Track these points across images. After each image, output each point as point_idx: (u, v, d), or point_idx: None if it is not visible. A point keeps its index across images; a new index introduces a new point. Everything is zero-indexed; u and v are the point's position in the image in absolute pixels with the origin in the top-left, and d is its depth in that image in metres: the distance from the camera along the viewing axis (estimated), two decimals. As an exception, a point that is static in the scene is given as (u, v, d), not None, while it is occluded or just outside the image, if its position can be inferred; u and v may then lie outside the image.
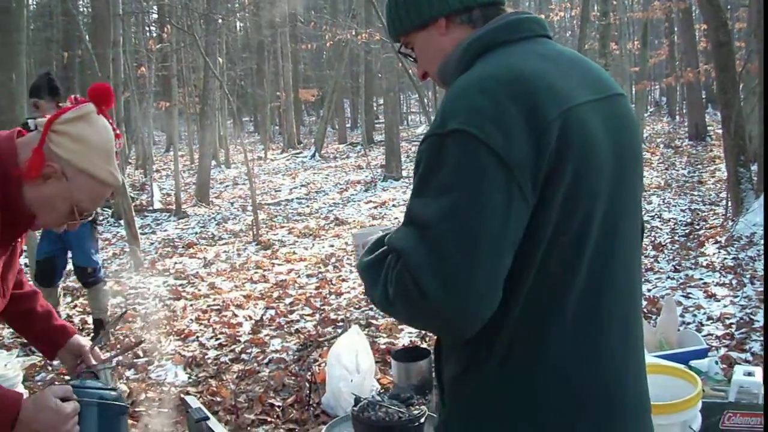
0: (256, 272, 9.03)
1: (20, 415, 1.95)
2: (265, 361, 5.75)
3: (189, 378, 5.50)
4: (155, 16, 28.76)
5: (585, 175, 1.45)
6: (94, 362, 2.59)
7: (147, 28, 32.33)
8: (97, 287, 6.45)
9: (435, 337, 4.90)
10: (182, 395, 4.46)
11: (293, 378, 5.23)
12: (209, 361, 5.87)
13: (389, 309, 1.48)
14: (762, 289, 6.64)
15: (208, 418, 3.43)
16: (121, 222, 13.35)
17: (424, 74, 1.76)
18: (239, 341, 6.32)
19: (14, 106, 8.84)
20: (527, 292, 1.45)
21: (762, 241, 8.03)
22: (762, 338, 5.45)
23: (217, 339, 6.45)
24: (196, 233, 12.62)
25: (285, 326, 6.65)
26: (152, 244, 11.83)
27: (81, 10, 29.25)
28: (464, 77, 1.50)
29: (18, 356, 5.33)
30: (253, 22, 30.21)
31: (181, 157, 20.09)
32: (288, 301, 7.53)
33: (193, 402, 3.66)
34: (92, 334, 6.47)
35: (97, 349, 2.62)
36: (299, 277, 8.60)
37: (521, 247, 1.42)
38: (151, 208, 15.49)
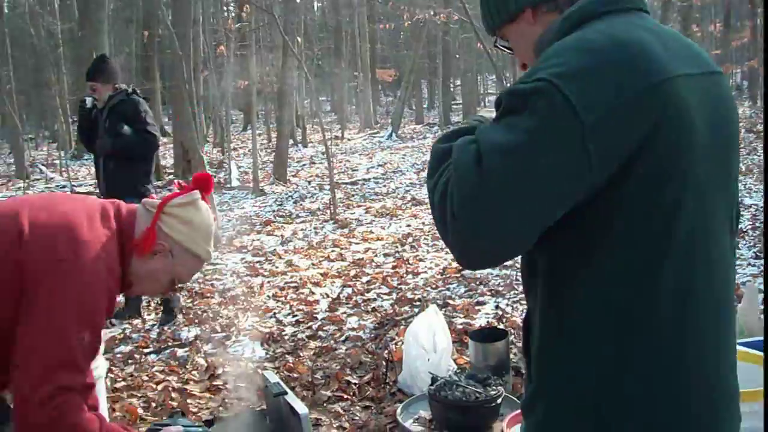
0: (333, 251, 9.06)
1: None
2: (342, 338, 5.76)
3: (266, 354, 5.54)
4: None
5: (677, 150, 1.40)
6: None
7: (225, 8, 32.67)
8: None
9: (513, 318, 4.84)
10: (260, 370, 4.50)
11: (370, 356, 5.23)
12: (286, 337, 5.91)
13: (433, 212, 1.51)
14: None
15: (286, 393, 3.43)
16: (201, 199, 13.55)
17: (523, 65, 1.73)
18: (316, 318, 6.35)
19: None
20: (615, 267, 1.41)
21: None
22: None
23: (294, 316, 6.49)
24: (274, 211, 12.73)
25: (362, 304, 6.66)
26: (230, 221, 11.97)
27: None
28: (561, 41, 1.47)
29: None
30: (330, 2, 30.31)
31: (258, 136, 20.23)
32: (365, 279, 7.53)
33: (272, 377, 3.67)
34: (160, 315, 6.58)
35: None
36: (376, 256, 8.61)
37: (605, 218, 1.39)
38: (228, 185, 15.65)
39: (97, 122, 6.34)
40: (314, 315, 6.44)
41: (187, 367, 5.41)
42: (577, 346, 1.46)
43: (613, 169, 1.36)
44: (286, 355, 5.45)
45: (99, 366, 3.93)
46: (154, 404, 4.73)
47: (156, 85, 19.77)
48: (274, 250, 9.34)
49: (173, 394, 4.84)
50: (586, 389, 1.46)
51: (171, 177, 17.56)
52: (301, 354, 5.44)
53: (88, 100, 6.35)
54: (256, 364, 5.25)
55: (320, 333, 5.94)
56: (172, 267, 2.41)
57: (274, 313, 6.57)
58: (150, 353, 5.80)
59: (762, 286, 6.02)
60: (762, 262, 7.33)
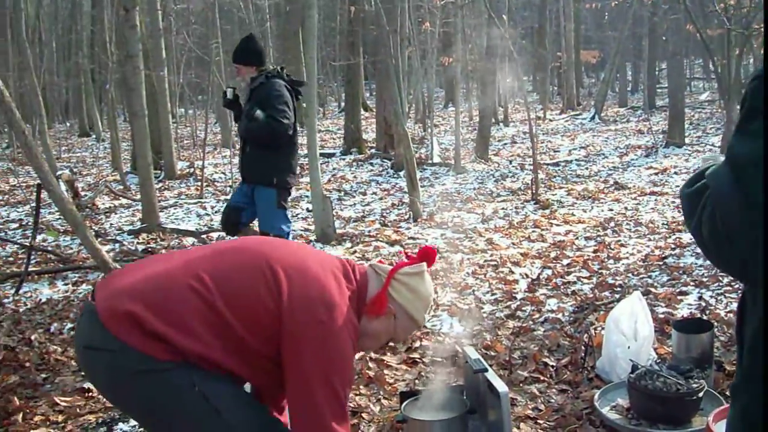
0: (533, 231, 9.02)
1: None
2: (541, 319, 5.75)
3: (464, 330, 5.61)
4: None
5: None
6: None
7: (428, -17, 32.89)
8: None
9: (717, 311, 4.68)
10: (460, 346, 4.56)
11: (568, 339, 5.20)
12: (485, 315, 5.96)
13: (703, 250, 1.46)
14: None
15: (486, 370, 3.49)
16: (400, 173, 13.79)
17: None
18: (515, 298, 6.36)
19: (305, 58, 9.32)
20: None
21: None
22: None
23: (493, 294, 6.53)
24: (474, 189, 12.79)
25: (561, 287, 6.61)
26: (430, 196, 12.12)
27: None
28: None
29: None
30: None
31: (459, 114, 20.31)
32: (565, 262, 7.46)
33: (472, 353, 3.74)
34: None
35: None
36: (577, 238, 8.50)
37: None
38: (429, 161, 15.83)
39: (241, 110, 6.34)
40: (513, 294, 6.46)
41: (385, 338, 5.55)
42: None
43: None
44: (484, 333, 5.49)
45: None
46: (350, 372, 4.89)
47: (359, 59, 20.15)
48: (475, 227, 9.40)
49: (370, 364, 4.96)
50: None
51: (373, 151, 17.96)
52: (499, 333, 5.47)
53: (229, 92, 6.39)
54: (454, 340, 5.33)
55: (518, 313, 5.95)
56: (393, 328, 2.69)
57: (473, 290, 6.63)
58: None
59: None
60: None
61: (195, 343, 2.38)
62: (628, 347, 4.35)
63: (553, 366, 4.75)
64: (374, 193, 13.11)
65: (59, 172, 12.41)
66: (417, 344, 5.29)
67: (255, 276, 2.47)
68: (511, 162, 16.17)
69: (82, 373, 5.15)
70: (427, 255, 2.74)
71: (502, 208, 10.71)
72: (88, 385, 4.90)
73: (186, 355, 2.37)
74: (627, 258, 7.49)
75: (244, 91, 6.54)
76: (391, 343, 2.70)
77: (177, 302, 2.41)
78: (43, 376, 5.22)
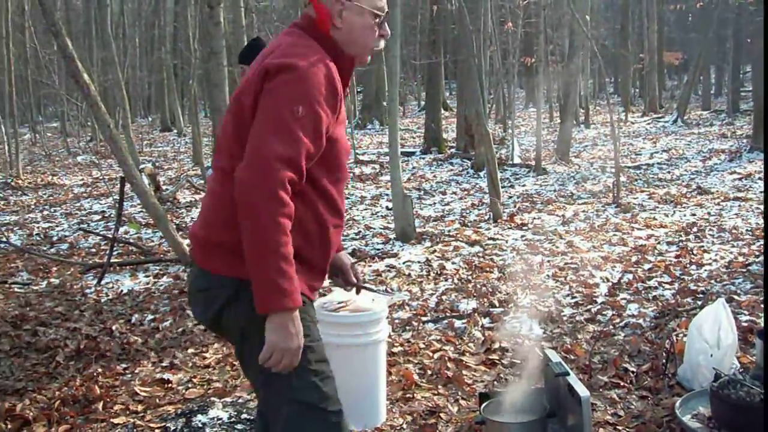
0: (614, 234, 8.95)
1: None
2: (621, 324, 5.72)
3: (543, 332, 5.62)
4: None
5: None
6: (354, 279, 2.88)
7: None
8: None
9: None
10: (542, 348, 4.58)
11: (649, 345, 5.17)
12: (564, 318, 5.95)
13: None
14: None
15: (568, 374, 3.52)
16: (480, 173, 13.80)
17: None
18: (595, 302, 6.33)
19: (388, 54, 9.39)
20: None
21: None
22: None
23: (573, 297, 6.51)
24: (555, 190, 12.72)
25: (642, 292, 6.55)
26: (510, 197, 12.11)
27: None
28: None
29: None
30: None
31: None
32: (646, 266, 7.39)
33: (554, 356, 3.77)
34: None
35: (357, 267, 2.89)
36: (659, 243, 8.41)
37: None
38: (510, 162, 15.78)
39: None
40: (594, 298, 6.43)
41: (464, 338, 5.59)
42: None
43: None
44: (564, 336, 5.50)
45: (381, 329, 4.20)
46: (429, 372, 4.93)
47: (441, 58, 20.17)
48: (555, 229, 9.38)
49: (449, 364, 5.02)
50: None
51: (453, 151, 17.99)
52: (579, 336, 5.47)
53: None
54: (533, 342, 5.34)
55: (599, 317, 5.93)
56: (355, 8, 2.51)
57: (553, 293, 6.63)
58: (427, 321, 6.04)
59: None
60: None
61: None
62: (711, 355, 4.32)
63: (633, 372, 4.73)
64: (454, 193, 13.14)
65: (142, 166, 12.74)
66: (496, 345, 5.33)
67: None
68: (592, 164, 16.03)
69: (162, 364, 5.32)
70: None
71: (583, 211, 10.64)
72: (167, 376, 5.06)
73: None
74: (710, 264, 7.39)
75: None
76: (381, 13, 2.54)
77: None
78: (124, 365, 5.39)
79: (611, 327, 5.66)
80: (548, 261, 7.74)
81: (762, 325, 5.44)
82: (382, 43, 2.61)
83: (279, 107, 2.31)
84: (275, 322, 2.27)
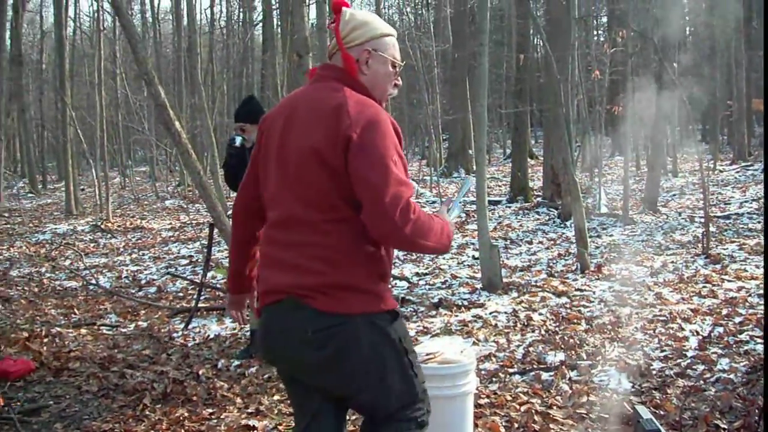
0: (704, 286, 8.81)
1: None
2: (712, 379, 5.62)
3: (632, 387, 5.56)
4: (604, 19, 28.95)
5: None
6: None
7: (595, 32, 32.60)
8: None
9: None
10: (633, 404, 4.55)
11: (741, 401, 5.07)
12: (653, 372, 5.89)
13: None
14: None
15: (659, 431, 3.51)
16: (567, 223, 13.73)
17: None
18: (685, 355, 6.24)
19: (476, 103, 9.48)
20: None
21: None
22: None
23: (662, 351, 6.43)
24: (643, 241, 12.58)
25: (733, 345, 6.44)
26: (597, 247, 12.02)
27: (535, 13, 30.38)
28: None
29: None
30: (701, 23, 29.19)
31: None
32: (737, 319, 7.26)
33: (644, 412, 3.76)
34: None
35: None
36: (750, 295, 8.25)
37: None
38: (596, 211, 15.67)
39: (246, 161, 6.53)
40: (683, 352, 6.34)
41: (551, 391, 5.57)
42: None
43: None
44: (653, 391, 5.44)
45: (470, 381, 4.24)
46: (516, 425, 4.92)
47: (527, 107, 20.24)
48: (644, 280, 9.28)
49: (536, 417, 5.00)
50: None
51: (539, 200, 17.94)
52: (669, 391, 5.41)
53: (238, 139, 6.57)
54: (622, 396, 5.30)
55: (689, 371, 5.84)
56: (379, 58, 2.86)
57: (642, 346, 6.56)
58: (514, 373, 6.04)
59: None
60: None
61: None
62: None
63: (725, 429, 4.66)
64: (540, 242, 13.11)
65: (230, 212, 13.00)
66: (584, 399, 5.30)
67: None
68: (680, 214, 15.79)
69: (248, 410, 5.42)
70: (337, 6, 2.89)
71: (672, 262, 10.50)
72: (253, 422, 5.16)
73: None
74: (804, 318, 7.23)
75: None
76: (397, 66, 2.95)
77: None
78: (210, 410, 5.49)
79: (702, 382, 5.57)
80: (636, 313, 7.67)
81: None
82: (395, 91, 2.96)
83: (384, 159, 2.61)
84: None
